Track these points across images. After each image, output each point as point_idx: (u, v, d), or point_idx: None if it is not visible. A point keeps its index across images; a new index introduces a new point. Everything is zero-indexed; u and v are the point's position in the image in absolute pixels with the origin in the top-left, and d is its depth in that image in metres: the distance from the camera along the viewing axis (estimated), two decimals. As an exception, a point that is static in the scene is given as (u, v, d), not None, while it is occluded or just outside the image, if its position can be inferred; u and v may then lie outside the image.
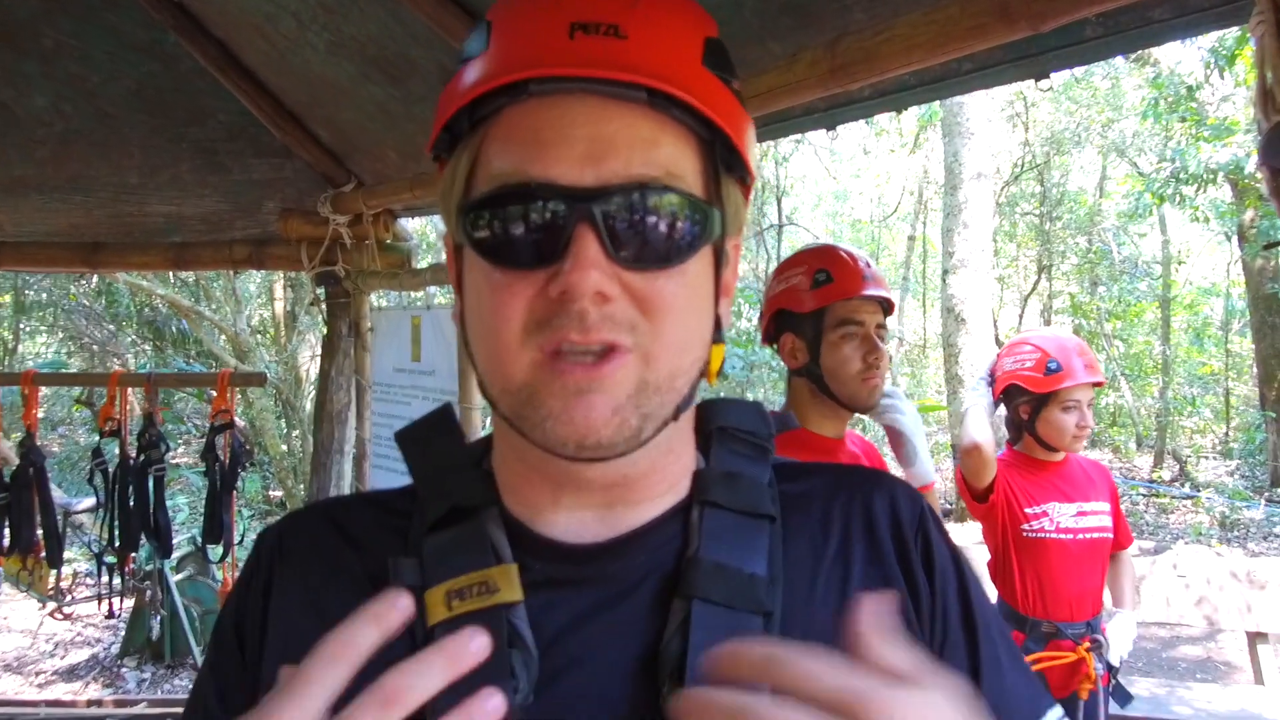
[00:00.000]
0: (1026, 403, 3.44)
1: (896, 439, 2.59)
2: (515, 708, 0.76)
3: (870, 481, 0.97)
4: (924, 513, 0.95)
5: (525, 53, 0.79)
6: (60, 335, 14.06)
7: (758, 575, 0.84)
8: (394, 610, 0.66)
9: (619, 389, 0.77)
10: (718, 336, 0.88)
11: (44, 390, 5.05)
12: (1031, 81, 2.02)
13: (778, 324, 2.57)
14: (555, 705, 0.79)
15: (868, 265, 2.51)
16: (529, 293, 0.77)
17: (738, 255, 0.92)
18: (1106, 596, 3.55)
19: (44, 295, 12.55)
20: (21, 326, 14.53)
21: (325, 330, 4.08)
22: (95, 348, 12.98)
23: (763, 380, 12.78)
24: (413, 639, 0.79)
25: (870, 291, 2.46)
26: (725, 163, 0.84)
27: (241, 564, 0.97)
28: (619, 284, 0.77)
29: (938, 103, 10.93)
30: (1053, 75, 1.98)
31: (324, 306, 4.06)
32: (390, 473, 3.78)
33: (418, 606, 0.76)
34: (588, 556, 0.86)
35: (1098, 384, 3.42)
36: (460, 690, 0.69)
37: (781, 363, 2.58)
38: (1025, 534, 3.36)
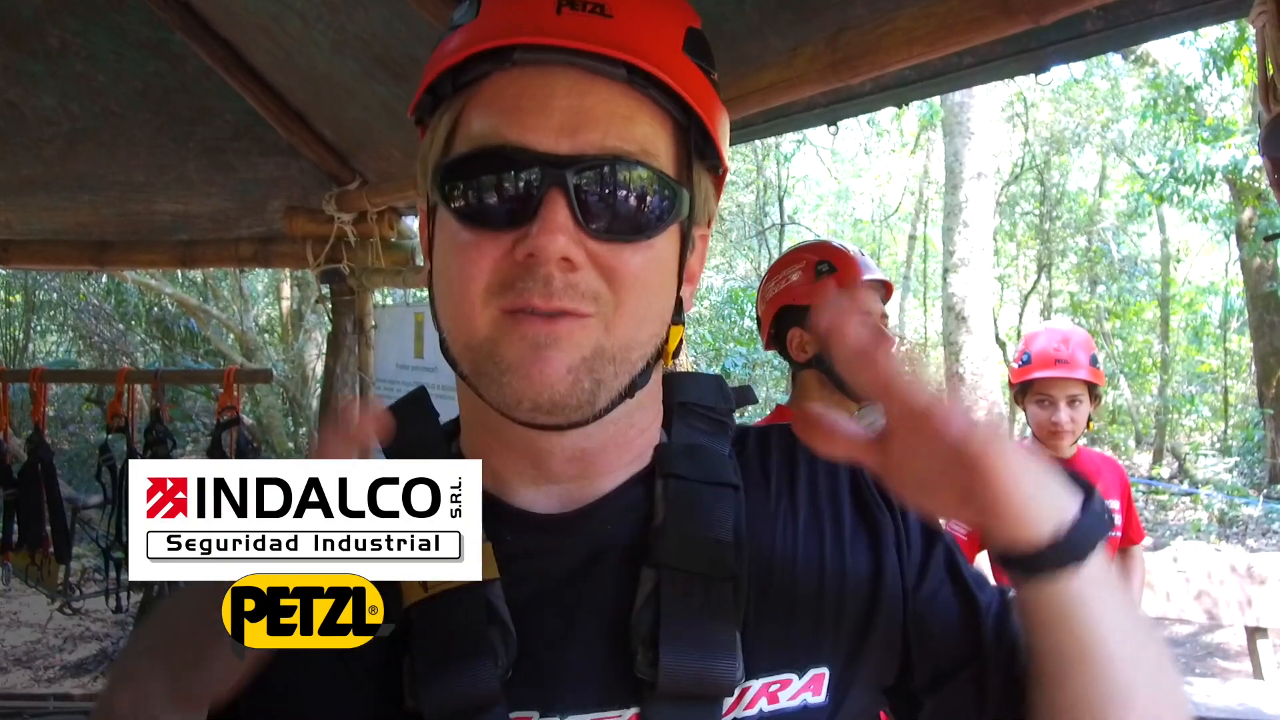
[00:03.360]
0: (1018, 393, 3.44)
1: None
2: (497, 683, 0.78)
3: None
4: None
5: (512, 22, 0.80)
6: (70, 334, 14.11)
7: (724, 541, 0.85)
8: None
9: (576, 349, 0.78)
10: (678, 318, 0.89)
11: (54, 388, 5.08)
12: (1032, 76, 2.04)
13: (782, 321, 2.59)
14: (534, 678, 0.80)
15: (861, 254, 2.58)
16: (495, 253, 0.79)
17: (704, 245, 0.94)
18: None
19: (54, 294, 12.59)
20: (32, 325, 14.57)
21: (331, 327, 4.11)
22: (105, 346, 13.02)
23: (765, 379, 12.82)
24: (388, 615, 0.78)
25: (871, 275, 2.51)
26: (698, 149, 0.86)
27: None
28: (585, 253, 0.78)
29: (939, 103, 10.96)
30: (1052, 69, 2.01)
31: (329, 304, 4.09)
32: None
33: (392, 588, 0.78)
34: (556, 526, 0.87)
35: (1090, 383, 3.26)
36: (447, 657, 0.78)
37: (782, 361, 2.60)
38: None
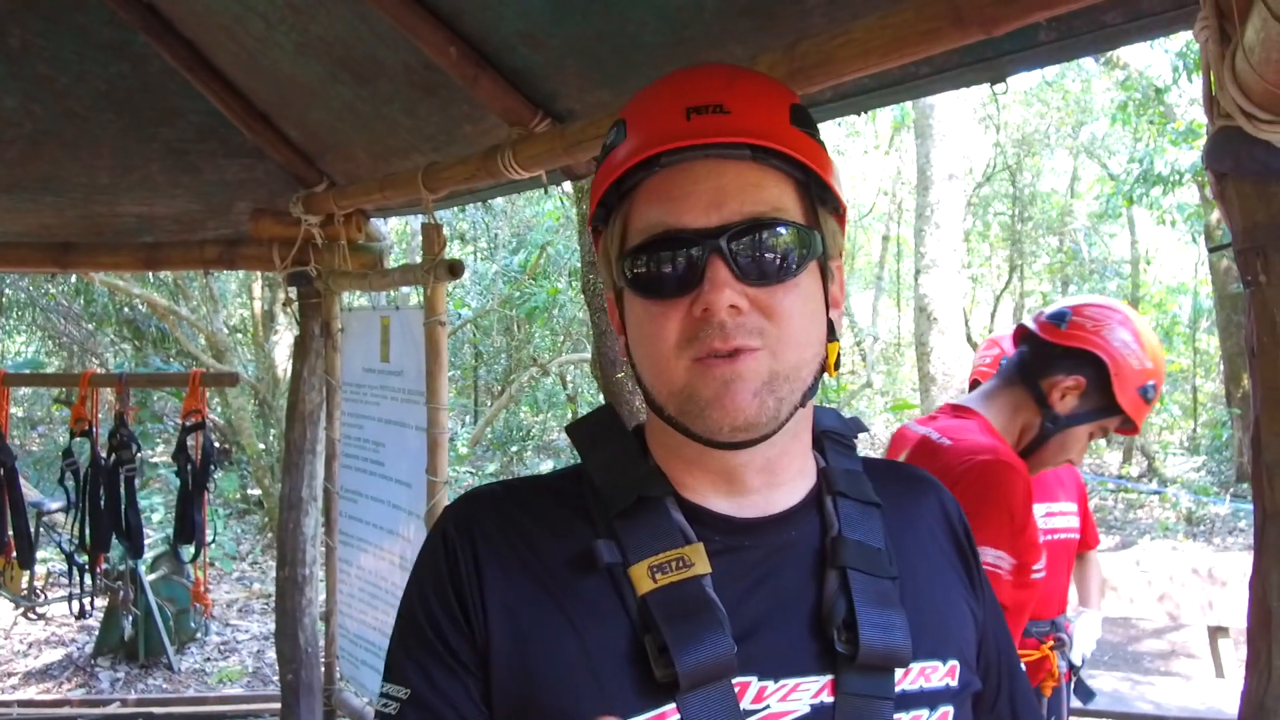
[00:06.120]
0: None
1: None
2: (733, 653, 0.97)
3: (928, 481, 1.26)
4: (961, 510, 1.24)
5: (654, 135, 1.02)
6: (39, 334, 13.92)
7: (881, 549, 1.09)
8: None
9: (755, 377, 0.98)
10: (832, 336, 1.10)
11: (25, 390, 5.02)
12: (989, 85, 2.04)
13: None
14: (750, 650, 0.99)
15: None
16: (678, 315, 1.00)
17: (842, 274, 1.15)
18: (1073, 594, 3.57)
19: (23, 295, 12.38)
20: (0, 325, 14.38)
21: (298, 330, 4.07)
22: (75, 347, 12.85)
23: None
24: (623, 604, 1.01)
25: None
26: (819, 197, 1.07)
27: (422, 551, 1.13)
28: (746, 299, 0.99)
29: (909, 105, 11.01)
30: (1009, 79, 2.01)
31: (296, 307, 4.06)
32: (359, 473, 3.77)
33: (623, 580, 1.02)
34: (753, 529, 1.08)
35: None
36: (690, 635, 0.97)
37: None
38: None
